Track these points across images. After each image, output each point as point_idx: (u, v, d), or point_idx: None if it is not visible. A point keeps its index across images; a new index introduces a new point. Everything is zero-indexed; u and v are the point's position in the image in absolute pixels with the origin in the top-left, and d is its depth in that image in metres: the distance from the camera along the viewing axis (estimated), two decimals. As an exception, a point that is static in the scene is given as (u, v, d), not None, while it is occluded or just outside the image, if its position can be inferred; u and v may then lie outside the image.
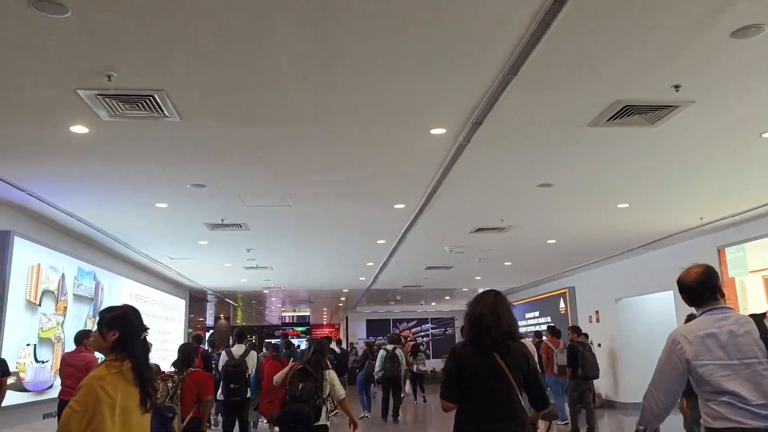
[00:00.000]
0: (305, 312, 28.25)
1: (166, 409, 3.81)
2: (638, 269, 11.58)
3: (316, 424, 5.07)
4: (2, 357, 6.10)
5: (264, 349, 11.95)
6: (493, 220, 8.42)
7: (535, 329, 14.95)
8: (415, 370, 15.17)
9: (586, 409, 9.17)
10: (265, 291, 17.25)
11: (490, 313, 3.08)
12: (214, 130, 4.90)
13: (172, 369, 5.01)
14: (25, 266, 7.25)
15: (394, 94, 4.33)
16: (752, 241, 8.51)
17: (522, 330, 16.66)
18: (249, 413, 7.94)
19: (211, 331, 27.96)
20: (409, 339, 24.47)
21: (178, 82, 4.06)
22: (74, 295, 8.59)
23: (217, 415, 10.50)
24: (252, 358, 7.99)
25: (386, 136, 5.16)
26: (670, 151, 5.62)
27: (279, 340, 13.68)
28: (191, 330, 17.86)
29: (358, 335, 24.83)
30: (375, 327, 24.52)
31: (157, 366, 5.93)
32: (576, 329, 10.11)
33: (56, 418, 7.81)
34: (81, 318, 8.86)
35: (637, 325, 12.30)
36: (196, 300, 18.42)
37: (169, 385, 4.83)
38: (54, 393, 7.89)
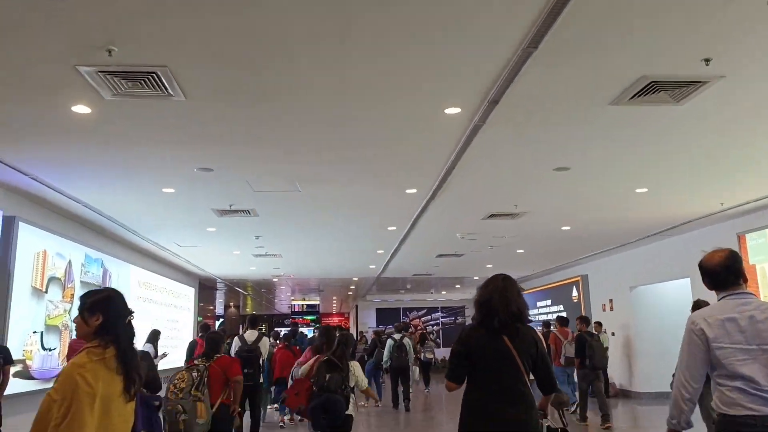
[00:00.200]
0: (315, 301, 28.22)
1: (152, 398, 3.70)
2: (654, 256, 11.34)
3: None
4: (5, 345, 6.00)
5: (274, 339, 11.86)
6: (507, 205, 8.21)
7: (546, 318, 14.77)
8: (422, 358, 15.18)
9: (598, 399, 9.06)
10: (274, 279, 17.16)
11: (499, 296, 3.08)
12: (221, 109, 4.73)
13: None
14: (30, 253, 7.14)
15: (408, 69, 4.14)
16: (774, 227, 8.26)
17: (533, 319, 16.50)
18: (261, 398, 7.95)
19: (221, 319, 28.01)
20: (419, 328, 24.39)
21: (182, 58, 3.88)
22: (81, 282, 8.49)
23: None
24: (264, 344, 8.00)
25: (399, 117, 4.97)
26: (693, 132, 5.39)
27: (289, 329, 13.63)
28: (201, 318, 17.81)
29: (368, 324, 24.76)
30: (385, 316, 24.43)
31: (146, 353, 5.82)
32: (584, 319, 9.95)
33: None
34: (89, 305, 8.75)
35: (653, 314, 12.07)
36: (205, 288, 18.37)
37: (194, 374, 4.84)
38: (62, 381, 7.82)
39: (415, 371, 12.37)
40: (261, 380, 7.81)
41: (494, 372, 3.03)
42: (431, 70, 4.15)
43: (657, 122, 5.15)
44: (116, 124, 4.97)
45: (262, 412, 8.67)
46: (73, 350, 6.70)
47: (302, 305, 29.34)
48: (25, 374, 7.00)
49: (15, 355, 6.72)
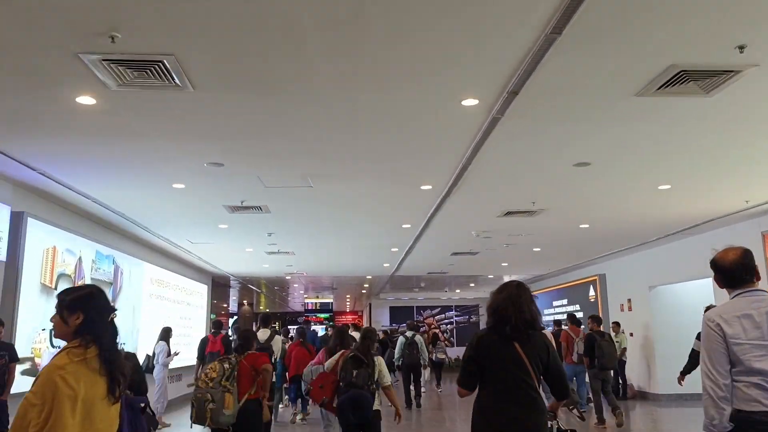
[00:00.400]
0: (328, 299, 28.12)
1: (136, 399, 3.56)
2: (675, 255, 11.05)
3: None
4: (11, 342, 5.91)
5: (284, 336, 11.75)
6: (524, 202, 8.00)
7: (560, 318, 14.50)
8: (434, 358, 15.21)
9: (607, 397, 9.04)
10: (287, 277, 17.05)
11: (512, 303, 3.13)
12: (230, 101, 4.57)
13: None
14: (39, 249, 7.05)
15: (423, 59, 3.95)
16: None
17: (549, 318, 16.26)
18: (273, 396, 7.94)
19: (235, 317, 28.00)
20: (432, 326, 24.19)
21: (188, 46, 3.73)
22: (92, 279, 8.40)
23: None
24: (277, 343, 7.91)
25: (414, 109, 4.79)
26: (722, 125, 5.15)
27: (296, 327, 13.56)
28: (213, 316, 17.75)
29: (381, 322, 24.60)
30: (398, 314, 24.25)
31: (130, 354, 5.71)
32: (596, 318, 9.83)
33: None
34: (99, 302, 8.67)
35: (672, 314, 11.78)
36: (219, 286, 18.31)
37: (226, 366, 4.92)
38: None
39: (425, 372, 12.29)
40: (273, 379, 7.71)
41: (505, 377, 3.06)
42: (448, 59, 3.97)
43: (684, 115, 4.92)
44: (123, 117, 4.83)
45: (274, 411, 8.57)
46: None
47: (316, 303, 29.24)
48: (34, 372, 6.91)
49: (23, 353, 6.65)
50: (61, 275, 7.53)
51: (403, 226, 9.62)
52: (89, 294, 2.41)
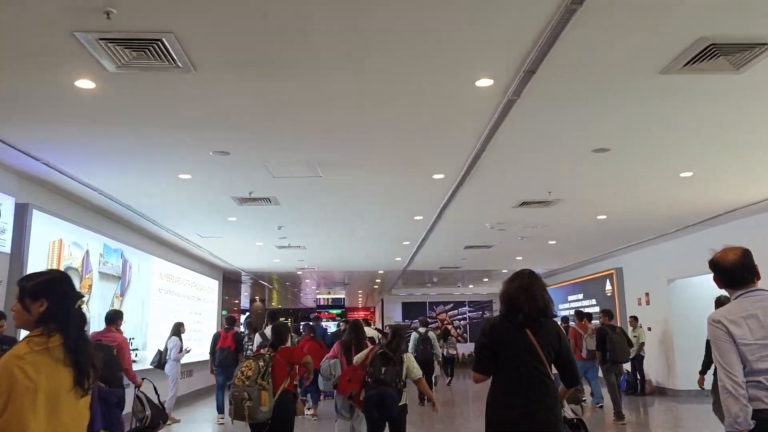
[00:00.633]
0: (340, 294, 27.98)
1: (110, 393, 3.40)
2: (695, 247, 10.73)
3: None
4: (14, 336, 5.78)
5: (294, 332, 11.62)
6: (540, 192, 7.76)
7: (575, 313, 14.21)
8: (445, 353, 15.23)
9: (610, 392, 8.98)
10: (298, 272, 16.91)
11: (524, 291, 3.16)
12: (233, 84, 4.39)
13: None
14: (45, 242, 6.93)
15: (435, 35, 3.74)
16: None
17: (564, 313, 15.97)
18: None
19: (247, 313, 27.96)
20: (445, 322, 23.98)
21: (188, 23, 3.55)
22: (100, 273, 8.29)
23: None
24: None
25: (425, 91, 4.58)
26: (751, 105, 4.89)
27: (309, 322, 13.49)
28: (225, 312, 17.67)
29: (394, 318, 24.43)
30: (411, 310, 24.05)
31: (104, 346, 5.53)
32: (607, 312, 9.76)
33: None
34: (107, 297, 8.57)
35: (692, 308, 11.43)
36: (230, 281, 18.22)
37: (260, 363, 5.02)
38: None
39: (436, 368, 12.30)
40: None
41: (517, 365, 3.09)
42: (460, 35, 3.76)
43: (710, 94, 4.67)
44: (124, 102, 4.67)
45: None
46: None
47: (327, 299, 29.13)
48: (41, 366, 6.79)
49: (29, 347, 6.52)
50: (68, 269, 7.41)
51: (415, 217, 9.41)
52: (53, 279, 2.25)
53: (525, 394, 3.04)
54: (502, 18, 3.57)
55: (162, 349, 9.49)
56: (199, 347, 11.77)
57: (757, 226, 8.89)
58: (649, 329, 12.52)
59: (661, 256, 12.06)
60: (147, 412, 6.13)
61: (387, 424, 5.38)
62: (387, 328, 16.97)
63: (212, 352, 9.82)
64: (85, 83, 4.31)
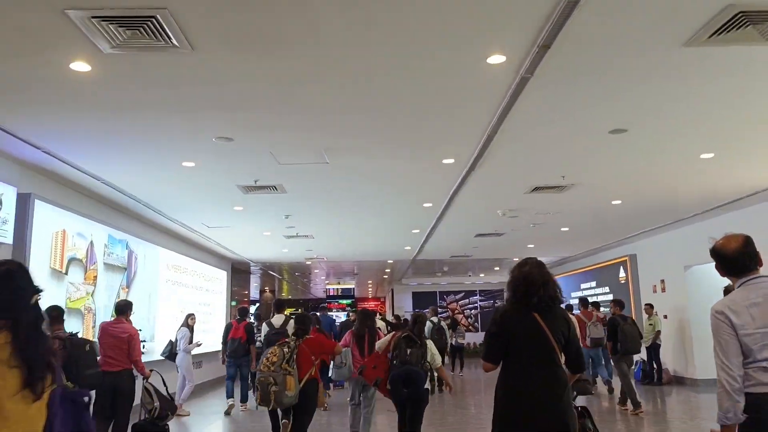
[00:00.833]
0: (350, 285, 27.87)
1: (78, 393, 3.21)
2: (712, 232, 10.38)
3: None
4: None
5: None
6: (554, 177, 7.53)
7: (592, 301, 14.01)
8: (454, 343, 15.19)
9: (622, 381, 8.83)
10: (307, 262, 16.76)
11: (539, 273, 3.16)
12: (232, 62, 4.20)
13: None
14: (48, 232, 6.81)
15: (444, 8, 3.53)
16: None
17: (574, 302, 15.76)
18: None
19: (257, 304, 27.93)
20: (456, 311, 23.82)
21: (182, -3, 3.36)
22: (105, 264, 8.17)
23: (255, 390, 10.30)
24: (292, 327, 7.58)
25: (434, 69, 4.37)
26: (778, 81, 4.64)
27: (315, 312, 13.44)
28: (235, 302, 17.57)
29: (404, 308, 24.28)
30: (421, 299, 23.87)
31: (82, 342, 5.31)
32: (618, 302, 9.63)
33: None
34: (114, 288, 8.46)
35: (710, 295, 10.97)
36: (239, 272, 18.12)
37: (285, 350, 5.13)
38: (86, 366, 7.53)
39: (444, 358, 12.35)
40: None
41: (528, 352, 3.08)
42: (470, 7, 3.54)
43: (737, 68, 4.42)
44: (121, 85, 4.49)
45: None
46: (105, 333, 6.29)
47: (337, 289, 29.03)
48: (46, 359, 6.69)
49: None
50: (72, 259, 7.29)
51: (425, 205, 9.21)
52: (6, 273, 2.07)
53: (536, 382, 3.03)
54: (515, -13, 3.36)
55: (173, 340, 9.43)
56: (207, 338, 11.68)
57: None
58: (665, 317, 12.28)
59: (677, 242, 11.79)
60: (155, 404, 6.06)
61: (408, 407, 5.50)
62: (394, 318, 16.82)
63: (224, 343, 9.78)
64: (80, 66, 4.13)
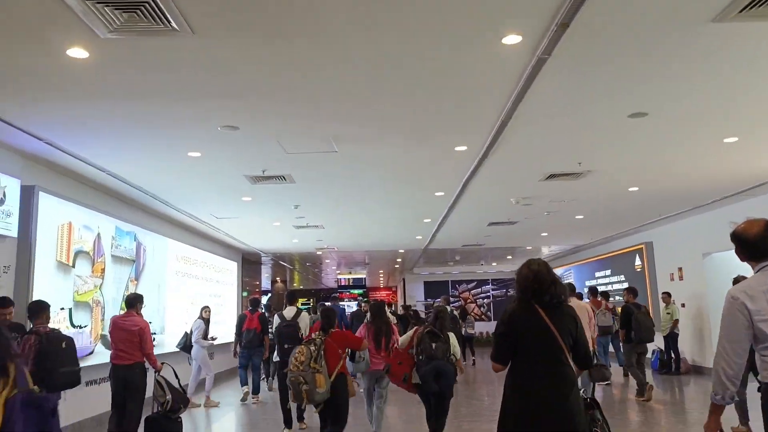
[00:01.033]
0: (361, 274, 27.75)
1: (44, 399, 3.03)
2: (733, 219, 10.18)
3: None
4: (21, 323, 5.58)
5: (314, 313, 11.45)
6: (570, 163, 7.30)
7: (602, 290, 13.77)
8: (463, 333, 15.10)
9: (639, 370, 8.80)
10: (318, 252, 16.64)
11: (547, 272, 3.20)
12: (235, 47, 4.02)
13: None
14: (53, 225, 6.70)
15: (457, -18, 3.33)
16: None
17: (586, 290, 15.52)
18: None
19: (269, 295, 27.91)
20: (468, 301, 23.66)
21: (180, -24, 3.19)
22: (113, 256, 8.07)
23: (274, 377, 10.31)
24: (304, 319, 7.68)
25: (447, 51, 4.17)
26: (810, 59, 4.39)
27: (322, 303, 13.41)
28: (246, 293, 17.51)
29: (416, 297, 24.15)
30: (433, 289, 23.74)
31: (62, 337, 5.00)
32: (632, 290, 9.62)
33: (105, 382, 7.38)
34: (122, 281, 8.36)
35: (729, 283, 10.80)
36: (250, 263, 18.04)
37: (312, 348, 5.18)
38: (95, 359, 7.46)
39: None
40: None
41: (536, 352, 3.10)
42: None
43: (765, 47, 4.18)
44: (121, 72, 4.33)
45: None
46: (116, 327, 6.22)
47: (349, 279, 28.92)
48: (53, 353, 6.60)
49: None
50: (78, 252, 7.19)
51: (437, 194, 9.02)
52: None
53: (544, 381, 3.05)
54: (533, -40, 3.15)
55: (188, 332, 9.39)
56: (219, 330, 11.60)
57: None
58: (683, 305, 12.04)
59: (695, 229, 11.52)
60: (168, 396, 6.03)
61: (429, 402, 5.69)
62: (401, 309, 16.71)
63: (238, 334, 9.72)
64: (77, 52, 3.98)
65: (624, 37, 4.01)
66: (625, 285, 14.01)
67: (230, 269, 14.70)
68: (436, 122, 5.70)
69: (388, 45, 4.06)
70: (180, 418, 6.30)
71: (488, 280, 24.44)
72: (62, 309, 6.81)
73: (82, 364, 7.12)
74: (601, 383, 8.57)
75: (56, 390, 4.63)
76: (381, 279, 30.25)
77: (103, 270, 7.80)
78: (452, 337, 5.81)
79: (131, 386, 5.96)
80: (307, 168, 7.24)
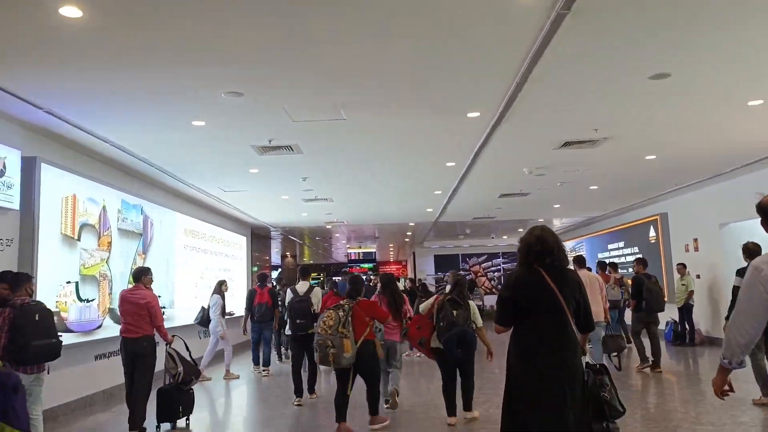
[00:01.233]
0: (371, 249, 27.68)
1: (4, 375, 2.91)
2: (751, 188, 9.89)
3: None
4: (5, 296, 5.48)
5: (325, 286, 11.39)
6: (586, 130, 7.06)
7: (609, 262, 13.56)
8: None
9: (652, 343, 8.77)
10: (327, 226, 16.52)
11: (552, 237, 3.24)
12: (238, 6, 3.81)
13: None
14: (57, 197, 6.57)
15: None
16: None
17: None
18: None
19: (279, 269, 27.94)
20: (479, 274, 23.55)
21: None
22: (119, 229, 7.95)
23: (287, 350, 10.55)
24: (316, 294, 7.65)
25: (458, 12, 3.93)
26: None
27: (331, 277, 13.39)
28: (256, 268, 17.47)
29: (426, 271, 24.06)
30: (443, 262, 23.63)
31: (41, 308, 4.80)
32: (642, 261, 9.54)
33: (115, 356, 7.35)
34: (129, 254, 8.27)
35: (746, 254, 10.71)
36: (259, 237, 17.97)
37: (340, 313, 5.35)
38: (104, 333, 7.40)
39: None
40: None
41: (540, 315, 3.11)
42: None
43: (801, -2, 3.92)
44: (117, 33, 4.14)
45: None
46: (124, 301, 6.14)
47: (359, 253, 28.87)
48: (61, 327, 6.53)
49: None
50: (84, 225, 7.08)
51: (447, 164, 8.81)
52: None
53: (547, 343, 3.08)
54: None
55: (205, 306, 9.35)
56: (228, 304, 11.54)
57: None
58: (698, 277, 11.83)
59: (712, 199, 11.26)
60: (179, 369, 6.04)
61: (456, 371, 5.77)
62: (409, 282, 16.60)
63: (249, 309, 9.69)
64: (70, 11, 3.78)
65: (649, -11, 3.76)
66: (640, 257, 13.82)
67: (239, 244, 14.62)
68: (447, 86, 5.47)
69: (397, 4, 3.83)
70: (192, 389, 6.31)
71: (499, 253, 24.29)
72: (68, 283, 6.72)
73: (91, 338, 7.14)
74: (614, 354, 8.46)
75: (28, 364, 4.46)
76: (391, 253, 30.19)
77: (110, 243, 7.70)
78: (473, 305, 5.86)
79: (139, 359, 5.97)
80: (315, 138, 7.05)
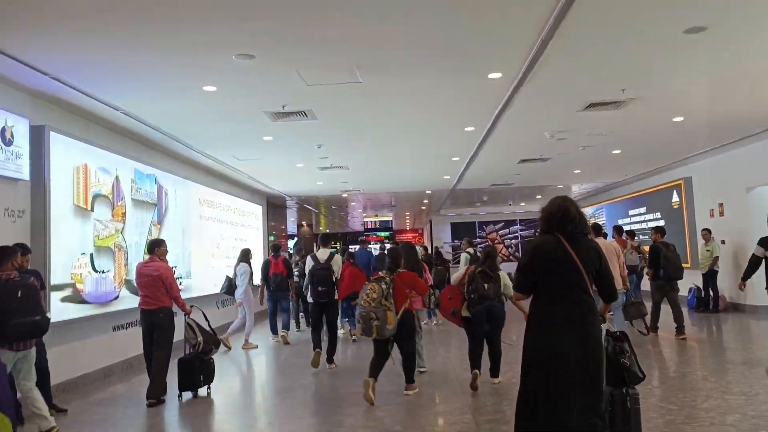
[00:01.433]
0: (387, 217, 27.55)
1: None
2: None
3: None
4: (35, 269, 5.40)
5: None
6: (612, 91, 6.75)
7: (627, 229, 13.27)
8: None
9: (673, 311, 8.55)
10: (344, 195, 16.36)
11: (572, 205, 3.29)
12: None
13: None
14: (68, 167, 6.44)
15: None
16: None
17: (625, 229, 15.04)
18: (337, 314, 7.97)
19: (296, 239, 27.94)
20: (496, 241, 23.36)
21: None
22: (133, 200, 7.84)
23: (305, 318, 10.70)
24: (337, 262, 7.71)
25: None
26: None
27: (346, 247, 13.39)
28: (272, 237, 17.41)
29: (443, 239, 23.92)
30: (460, 230, 23.43)
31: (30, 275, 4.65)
32: (659, 228, 9.35)
33: (133, 327, 7.34)
34: (144, 225, 8.17)
35: (773, 218, 10.39)
36: (275, 207, 17.87)
37: (383, 286, 5.48)
38: (121, 305, 7.36)
39: None
40: (336, 297, 7.57)
41: (559, 281, 3.16)
42: None
43: None
44: (122, -8, 3.93)
45: (338, 324, 8.20)
46: (140, 273, 6.12)
47: (375, 222, 28.77)
48: (77, 298, 6.49)
49: (62, 279, 6.20)
50: (96, 196, 6.96)
51: (466, 129, 8.55)
52: None
53: (565, 308, 3.12)
54: None
55: (231, 275, 9.30)
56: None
57: None
58: (723, 242, 11.53)
59: (739, 162, 10.88)
60: (199, 338, 6.07)
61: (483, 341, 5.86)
62: (422, 251, 16.42)
63: (265, 278, 9.64)
64: (70, -33, 3.57)
65: (691, -70, 3.46)
66: (662, 223, 13.51)
67: (255, 213, 14.52)
68: (468, 45, 5.20)
69: (417, -51, 3.57)
70: (212, 359, 6.30)
71: (516, 220, 24.04)
72: (83, 254, 6.64)
73: (108, 310, 7.10)
74: (636, 319, 8.32)
75: (9, 342, 4.32)
76: (407, 221, 30.05)
77: (124, 214, 7.59)
78: (503, 275, 5.87)
79: (157, 330, 5.99)
80: (330, 102, 6.83)
